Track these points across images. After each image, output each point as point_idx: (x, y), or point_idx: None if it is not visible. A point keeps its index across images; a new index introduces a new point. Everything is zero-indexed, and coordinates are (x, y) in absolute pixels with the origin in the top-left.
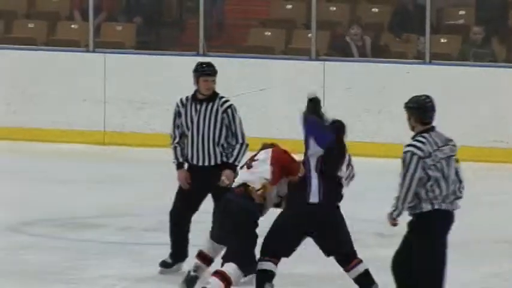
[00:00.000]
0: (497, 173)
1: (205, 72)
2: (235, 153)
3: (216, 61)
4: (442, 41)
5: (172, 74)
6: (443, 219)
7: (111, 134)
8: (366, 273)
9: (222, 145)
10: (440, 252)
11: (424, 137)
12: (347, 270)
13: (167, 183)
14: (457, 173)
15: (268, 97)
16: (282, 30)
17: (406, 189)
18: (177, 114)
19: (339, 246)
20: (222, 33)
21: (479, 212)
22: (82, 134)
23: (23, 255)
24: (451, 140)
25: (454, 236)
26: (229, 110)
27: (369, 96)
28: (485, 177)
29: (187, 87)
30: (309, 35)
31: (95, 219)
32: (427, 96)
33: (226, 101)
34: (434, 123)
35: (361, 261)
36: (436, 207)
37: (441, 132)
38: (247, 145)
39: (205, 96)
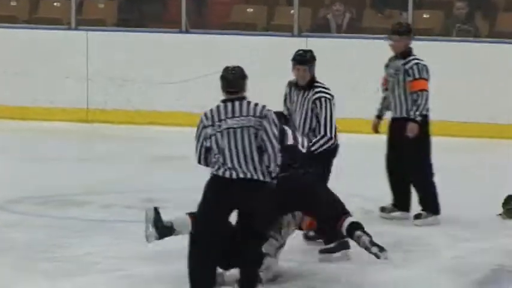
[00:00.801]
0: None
1: (295, 59)
2: (315, 140)
3: (199, 38)
4: (425, 16)
5: (154, 51)
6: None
7: (93, 111)
8: None
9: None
10: None
11: (217, 106)
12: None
13: (149, 160)
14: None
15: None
16: (264, 7)
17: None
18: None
19: None
20: (205, 10)
21: None
22: (65, 111)
23: (7, 233)
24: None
25: None
26: (317, 101)
27: (350, 73)
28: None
29: (170, 64)
30: (292, 11)
31: (78, 197)
32: (234, 67)
33: (319, 91)
34: None
35: None
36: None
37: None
38: (329, 138)
39: (302, 85)
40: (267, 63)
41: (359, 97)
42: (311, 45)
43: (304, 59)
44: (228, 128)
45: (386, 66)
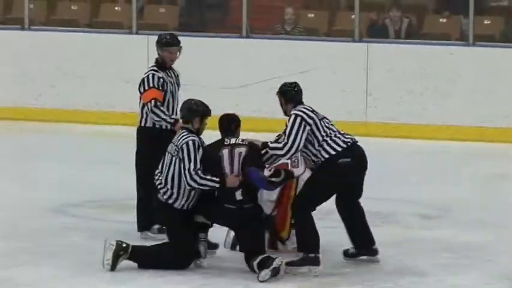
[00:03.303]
0: None
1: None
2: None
3: (259, 43)
4: (486, 22)
5: (215, 56)
6: None
7: None
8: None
9: None
10: None
11: None
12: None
13: None
14: None
15: (311, 79)
16: (325, 12)
17: None
18: None
19: None
20: (265, 15)
21: None
22: (125, 115)
23: (68, 236)
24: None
25: None
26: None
27: (411, 78)
28: None
29: (231, 68)
30: (352, 16)
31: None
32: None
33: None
34: None
35: None
36: None
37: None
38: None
39: None
40: (327, 69)
41: (415, 101)
42: (371, 50)
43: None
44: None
45: None
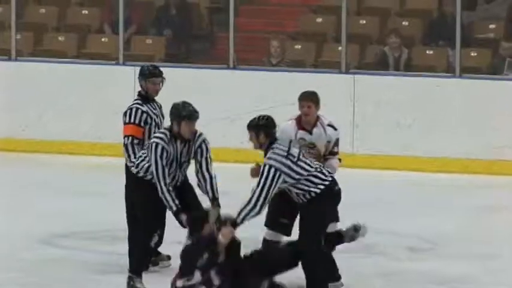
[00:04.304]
0: None
1: None
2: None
3: (246, 74)
4: (472, 54)
5: (202, 87)
6: None
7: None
8: None
9: None
10: None
11: None
12: None
13: None
14: None
15: (298, 111)
16: (312, 44)
17: None
18: None
19: None
20: (252, 47)
21: None
22: (112, 146)
23: (51, 268)
24: None
25: None
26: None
27: (399, 110)
28: None
29: (217, 100)
30: (339, 48)
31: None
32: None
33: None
34: None
35: None
36: None
37: None
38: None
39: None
40: None
41: (402, 134)
42: (358, 82)
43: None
44: None
45: None
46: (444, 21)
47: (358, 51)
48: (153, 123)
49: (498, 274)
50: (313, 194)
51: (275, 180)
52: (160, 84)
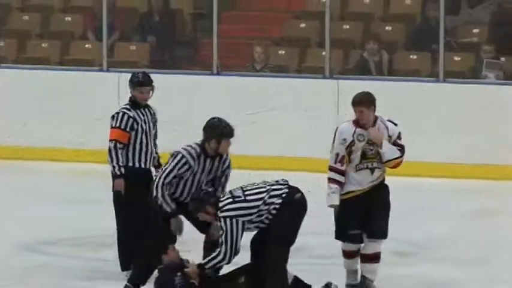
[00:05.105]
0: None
1: None
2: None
3: (230, 80)
4: (456, 59)
5: (186, 93)
6: None
7: None
8: None
9: None
10: None
11: None
12: None
13: None
14: None
15: (280, 116)
16: (295, 49)
17: None
18: None
19: None
20: (236, 53)
21: None
22: (95, 153)
23: (42, 275)
24: None
25: None
26: None
27: (383, 115)
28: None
29: (201, 106)
30: (323, 53)
31: (113, 238)
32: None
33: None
34: None
35: None
36: None
37: None
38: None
39: None
40: (298, 105)
41: None
42: (342, 87)
43: None
44: None
45: None
46: (428, 25)
47: (342, 57)
48: (140, 129)
49: (487, 279)
50: (273, 212)
51: (238, 228)
52: (150, 92)
